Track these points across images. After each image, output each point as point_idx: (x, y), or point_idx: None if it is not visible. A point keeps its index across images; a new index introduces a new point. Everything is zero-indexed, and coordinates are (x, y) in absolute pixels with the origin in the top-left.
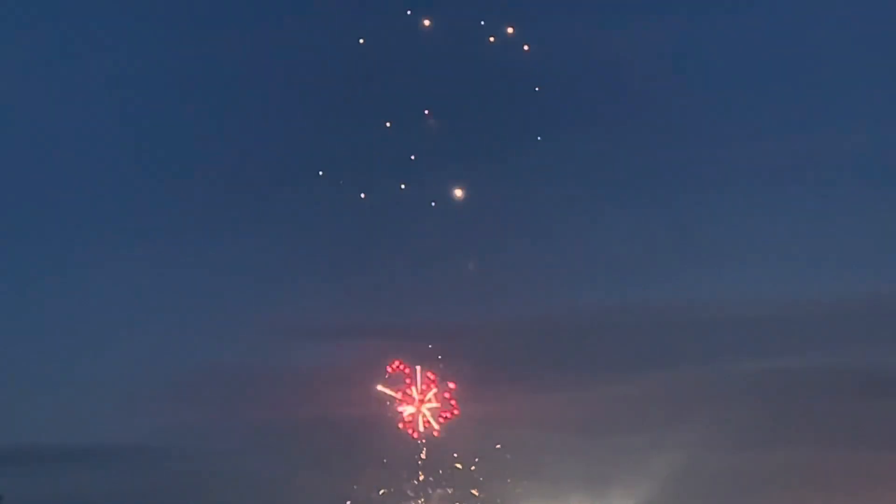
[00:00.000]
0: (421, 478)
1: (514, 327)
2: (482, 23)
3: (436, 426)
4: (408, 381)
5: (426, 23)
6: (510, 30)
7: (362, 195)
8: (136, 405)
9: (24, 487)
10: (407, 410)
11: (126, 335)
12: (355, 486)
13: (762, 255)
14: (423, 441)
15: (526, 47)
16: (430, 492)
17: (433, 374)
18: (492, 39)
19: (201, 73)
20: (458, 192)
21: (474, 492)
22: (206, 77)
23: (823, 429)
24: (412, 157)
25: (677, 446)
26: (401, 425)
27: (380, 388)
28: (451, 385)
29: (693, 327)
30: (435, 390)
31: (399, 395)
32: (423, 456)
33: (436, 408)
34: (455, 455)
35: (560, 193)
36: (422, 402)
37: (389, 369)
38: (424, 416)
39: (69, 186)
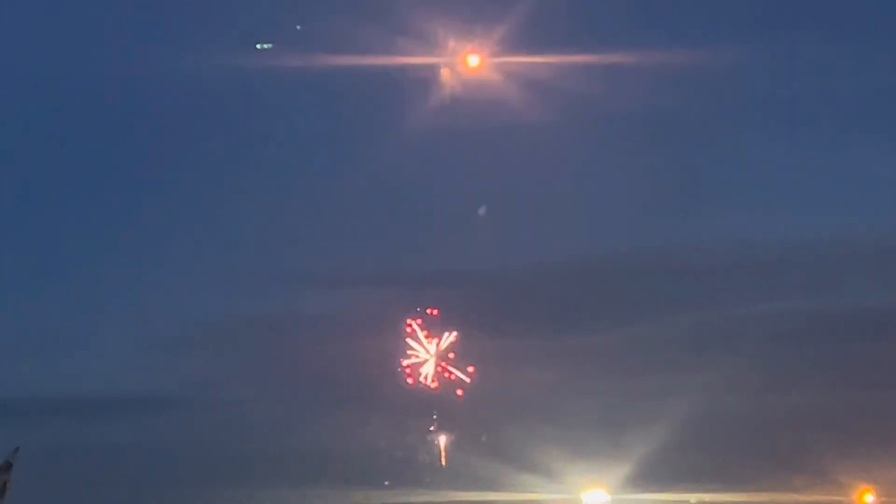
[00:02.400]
0: (433, 427)
1: (525, 272)
2: None
3: (462, 376)
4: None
5: None
6: None
7: None
8: (155, 356)
9: (43, 439)
10: (421, 362)
11: (145, 285)
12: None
13: (776, 197)
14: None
15: None
16: (440, 437)
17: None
18: None
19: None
20: None
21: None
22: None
23: (840, 371)
24: None
25: (693, 389)
26: (412, 379)
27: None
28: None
29: (708, 270)
30: (450, 338)
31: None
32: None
33: (450, 360)
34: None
35: (569, 141)
36: (438, 354)
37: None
38: (440, 368)
39: (94, 135)
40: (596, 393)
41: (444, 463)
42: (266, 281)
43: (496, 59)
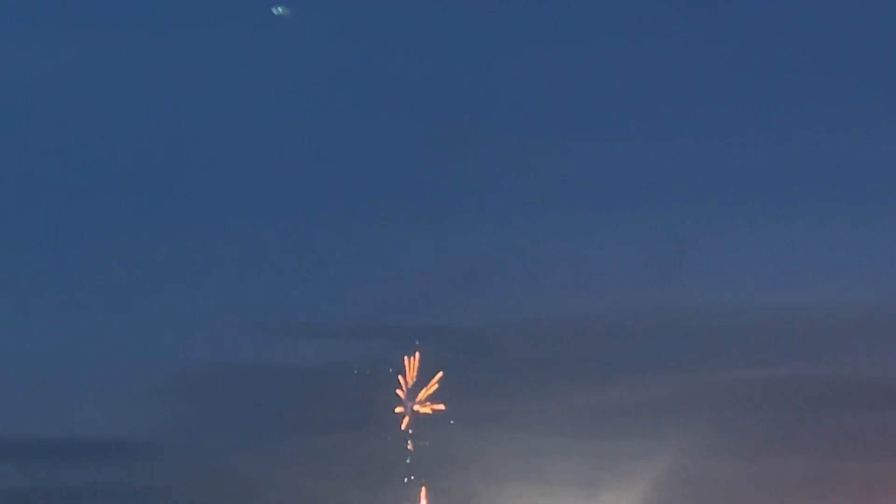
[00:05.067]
0: (411, 478)
1: (507, 330)
2: None
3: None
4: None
5: None
6: None
7: None
8: (128, 401)
9: (11, 481)
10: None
11: (119, 330)
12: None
13: (759, 264)
14: (411, 445)
15: None
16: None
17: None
18: None
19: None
20: None
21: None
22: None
23: (816, 438)
24: None
25: (669, 451)
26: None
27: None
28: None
29: (688, 334)
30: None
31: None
32: (409, 454)
33: (427, 404)
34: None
35: (559, 198)
36: (415, 400)
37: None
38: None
39: (67, 186)
40: (573, 452)
41: None
42: (250, 329)
43: None
